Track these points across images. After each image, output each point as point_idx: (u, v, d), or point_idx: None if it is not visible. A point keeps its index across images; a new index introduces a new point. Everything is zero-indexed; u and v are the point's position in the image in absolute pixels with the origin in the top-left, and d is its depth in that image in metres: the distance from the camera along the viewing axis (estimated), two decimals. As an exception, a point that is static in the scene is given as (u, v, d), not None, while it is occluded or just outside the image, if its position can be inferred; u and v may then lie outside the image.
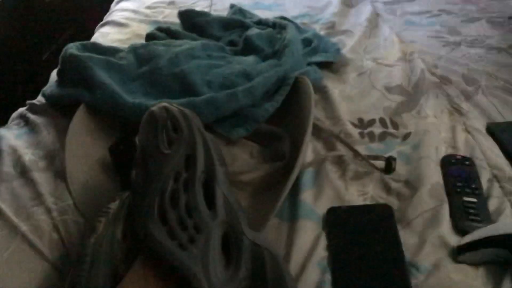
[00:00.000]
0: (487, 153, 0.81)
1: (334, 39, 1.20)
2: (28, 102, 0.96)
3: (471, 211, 0.70)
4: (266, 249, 0.55)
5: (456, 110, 0.93)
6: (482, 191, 0.74)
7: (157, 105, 0.64)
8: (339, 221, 0.70)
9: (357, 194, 0.75)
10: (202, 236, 0.54)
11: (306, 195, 0.74)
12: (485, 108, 0.93)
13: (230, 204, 0.58)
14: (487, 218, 0.69)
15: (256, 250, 0.55)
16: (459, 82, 1.01)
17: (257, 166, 0.80)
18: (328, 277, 0.63)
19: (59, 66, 0.93)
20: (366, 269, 0.63)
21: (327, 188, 0.76)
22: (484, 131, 0.87)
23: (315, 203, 0.74)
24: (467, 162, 0.78)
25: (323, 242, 0.68)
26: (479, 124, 0.88)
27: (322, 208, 0.72)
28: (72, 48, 0.92)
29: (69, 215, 0.71)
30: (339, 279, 0.63)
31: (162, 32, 1.15)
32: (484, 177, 0.76)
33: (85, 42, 0.98)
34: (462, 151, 0.82)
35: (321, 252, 0.66)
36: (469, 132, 0.87)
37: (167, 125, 0.62)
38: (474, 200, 0.72)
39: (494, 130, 0.86)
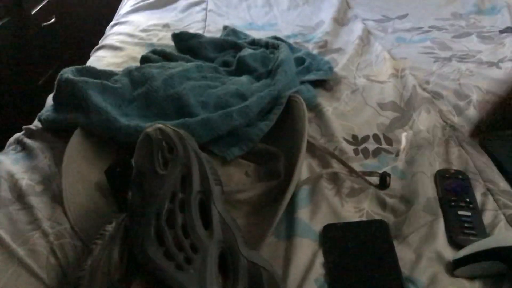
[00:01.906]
0: (481, 166, 0.82)
1: (327, 58, 1.21)
2: (24, 127, 0.97)
3: (466, 224, 0.70)
4: (263, 268, 0.55)
5: (448, 125, 0.94)
6: (477, 204, 0.74)
7: (152, 126, 0.65)
8: (335, 238, 0.70)
9: (353, 211, 0.76)
10: (199, 255, 0.55)
11: (302, 213, 0.75)
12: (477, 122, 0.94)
13: (227, 223, 0.58)
14: (482, 232, 0.70)
15: (253, 269, 0.55)
16: (450, 97, 1.02)
17: (252, 185, 0.80)
18: (325, 294, 0.63)
19: (54, 91, 0.93)
20: (363, 285, 0.63)
21: (323, 205, 0.76)
22: (477, 145, 0.88)
23: (311, 220, 0.74)
24: (460, 176, 0.79)
25: (320, 259, 0.68)
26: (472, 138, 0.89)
27: (318, 225, 0.73)
28: (67, 72, 0.93)
29: (66, 239, 0.71)
30: (337, 296, 0.63)
31: (156, 55, 1.16)
32: (478, 191, 0.77)
33: (80, 66, 0.99)
34: (456, 166, 0.83)
35: (318, 269, 0.66)
36: (462, 147, 0.87)
37: (163, 146, 0.62)
38: (469, 213, 0.72)
39: (487, 144, 0.87)
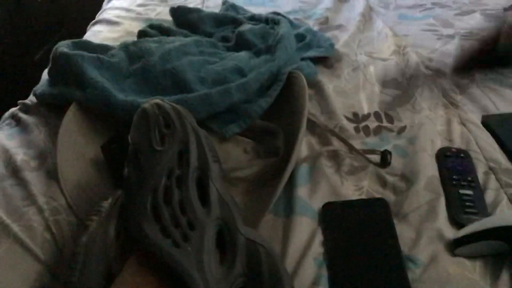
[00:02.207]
0: (483, 145, 0.81)
1: (328, 34, 1.19)
2: (19, 102, 0.96)
3: (468, 203, 0.69)
4: (261, 246, 0.54)
5: (451, 103, 0.92)
6: (478, 183, 0.73)
7: (149, 101, 0.63)
8: (334, 216, 0.69)
9: (352, 189, 0.75)
10: (196, 233, 0.54)
11: (302, 191, 0.74)
12: (479, 100, 0.92)
13: (224, 200, 0.57)
14: (484, 211, 0.69)
15: (251, 247, 0.54)
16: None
17: (251, 162, 0.79)
18: (324, 272, 0.63)
19: (49, 65, 0.92)
20: (362, 263, 0.63)
21: (323, 183, 0.75)
22: (479, 123, 0.86)
23: (310, 198, 0.73)
24: (462, 155, 0.78)
25: (319, 237, 0.67)
26: (474, 116, 0.88)
27: (317, 203, 0.72)
28: (63, 46, 0.91)
29: (61, 215, 0.71)
30: (336, 274, 0.62)
31: (153, 29, 1.14)
32: (480, 170, 0.76)
33: (76, 40, 0.96)
34: (458, 144, 0.82)
35: (317, 247, 0.66)
36: (464, 125, 0.86)
37: (160, 122, 0.61)
38: (471, 192, 0.71)
39: (489, 122, 0.86)
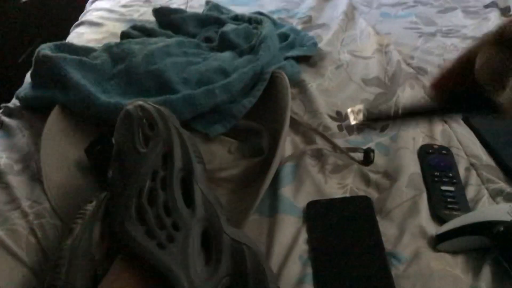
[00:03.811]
0: (464, 142, 0.82)
1: (311, 33, 1.19)
2: (2, 105, 0.95)
3: (449, 199, 0.70)
4: (246, 245, 0.55)
5: (432, 100, 0.93)
6: (460, 179, 0.74)
7: (133, 103, 0.64)
8: (319, 214, 0.70)
9: (336, 187, 0.76)
10: (181, 234, 0.54)
11: (286, 190, 0.74)
12: (461, 97, 0.93)
13: (209, 201, 0.57)
14: (465, 206, 0.70)
15: (236, 247, 0.55)
16: (435, 73, 1.02)
17: (235, 162, 0.80)
18: (309, 270, 0.63)
19: (32, 68, 0.91)
20: (346, 261, 0.64)
21: (307, 182, 0.76)
22: (460, 120, 0.87)
23: (295, 197, 0.74)
24: (444, 152, 0.79)
25: (303, 235, 0.68)
26: (456, 113, 0.89)
27: (302, 201, 0.72)
28: (45, 49, 0.90)
29: (45, 218, 0.70)
30: (320, 272, 0.63)
31: (137, 30, 1.14)
32: (462, 166, 0.77)
33: (58, 42, 0.96)
34: (439, 141, 0.83)
35: (302, 245, 0.66)
36: (445, 122, 0.87)
37: (143, 124, 0.61)
38: (452, 188, 0.72)
39: (470, 119, 0.87)
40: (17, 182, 0.76)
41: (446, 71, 0.44)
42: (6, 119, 0.90)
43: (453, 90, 0.44)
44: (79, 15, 1.44)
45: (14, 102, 0.95)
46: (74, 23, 1.37)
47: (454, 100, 0.45)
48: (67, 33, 1.31)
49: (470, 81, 0.40)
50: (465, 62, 0.41)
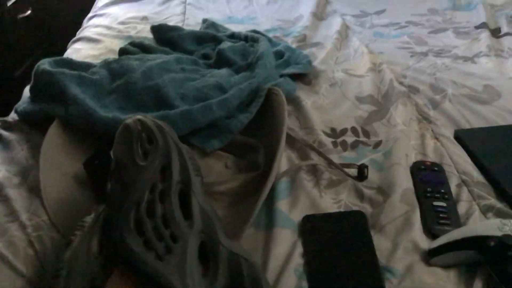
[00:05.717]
0: (455, 159, 0.84)
1: (306, 52, 1.22)
2: (0, 119, 0.96)
3: (441, 215, 0.72)
4: (243, 258, 0.56)
5: (424, 118, 0.95)
6: (452, 195, 0.76)
7: (132, 117, 0.65)
8: (314, 229, 0.71)
9: (331, 202, 0.77)
10: (178, 246, 0.55)
11: (282, 204, 0.75)
12: (452, 115, 0.95)
13: (207, 213, 0.58)
14: (457, 222, 0.71)
15: (233, 259, 0.56)
16: (426, 91, 1.04)
17: (232, 176, 0.81)
18: (304, 283, 0.64)
19: (31, 82, 0.92)
20: (341, 274, 0.64)
21: (302, 197, 0.77)
22: (452, 137, 0.89)
23: (290, 211, 0.74)
24: (436, 168, 0.81)
25: (299, 249, 0.69)
26: (447, 131, 0.91)
27: (297, 216, 0.73)
28: (45, 64, 0.92)
29: (44, 231, 0.71)
30: (315, 285, 0.64)
31: (135, 47, 1.16)
32: (453, 182, 0.79)
33: (57, 58, 0.97)
34: (431, 158, 0.85)
35: (298, 259, 0.67)
36: (437, 139, 0.89)
37: (142, 137, 0.62)
38: (444, 204, 0.73)
39: (462, 137, 0.89)
40: (16, 195, 0.77)
41: None
42: (4, 133, 0.91)
43: None
44: (76, 31, 1.45)
45: (13, 116, 0.96)
46: (71, 39, 1.38)
47: None
48: (64, 49, 1.33)
49: None
50: None
